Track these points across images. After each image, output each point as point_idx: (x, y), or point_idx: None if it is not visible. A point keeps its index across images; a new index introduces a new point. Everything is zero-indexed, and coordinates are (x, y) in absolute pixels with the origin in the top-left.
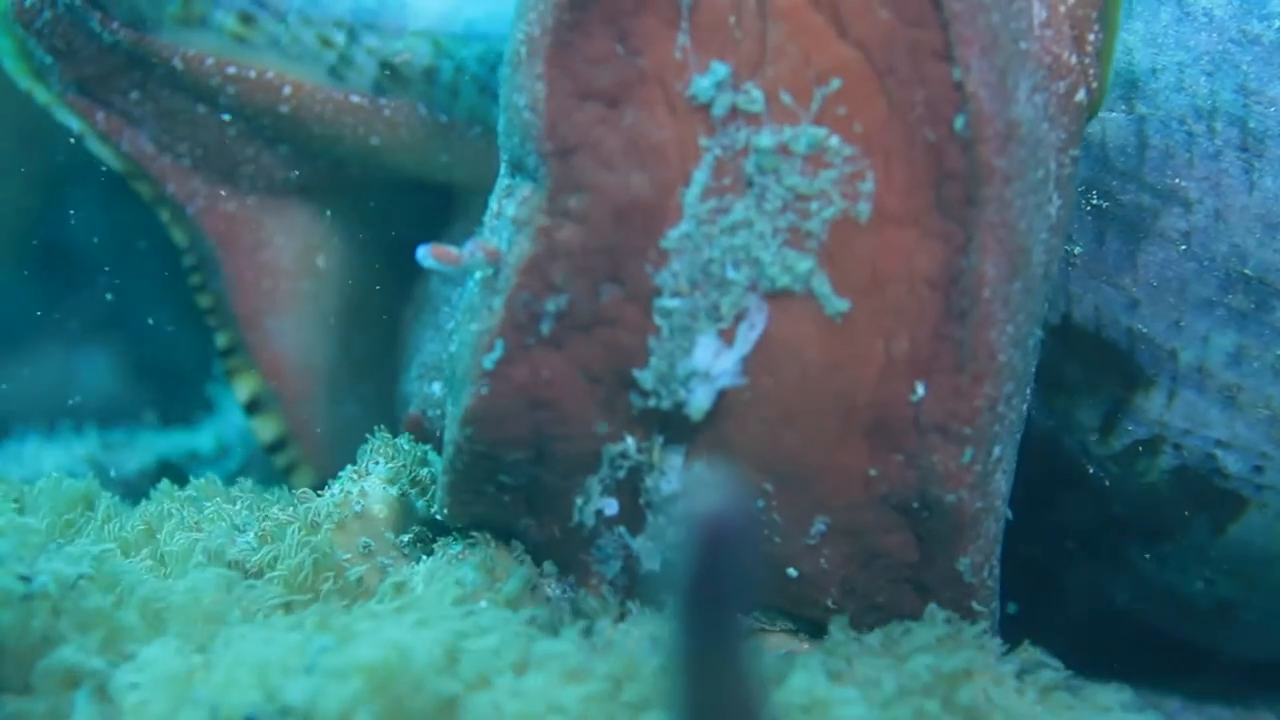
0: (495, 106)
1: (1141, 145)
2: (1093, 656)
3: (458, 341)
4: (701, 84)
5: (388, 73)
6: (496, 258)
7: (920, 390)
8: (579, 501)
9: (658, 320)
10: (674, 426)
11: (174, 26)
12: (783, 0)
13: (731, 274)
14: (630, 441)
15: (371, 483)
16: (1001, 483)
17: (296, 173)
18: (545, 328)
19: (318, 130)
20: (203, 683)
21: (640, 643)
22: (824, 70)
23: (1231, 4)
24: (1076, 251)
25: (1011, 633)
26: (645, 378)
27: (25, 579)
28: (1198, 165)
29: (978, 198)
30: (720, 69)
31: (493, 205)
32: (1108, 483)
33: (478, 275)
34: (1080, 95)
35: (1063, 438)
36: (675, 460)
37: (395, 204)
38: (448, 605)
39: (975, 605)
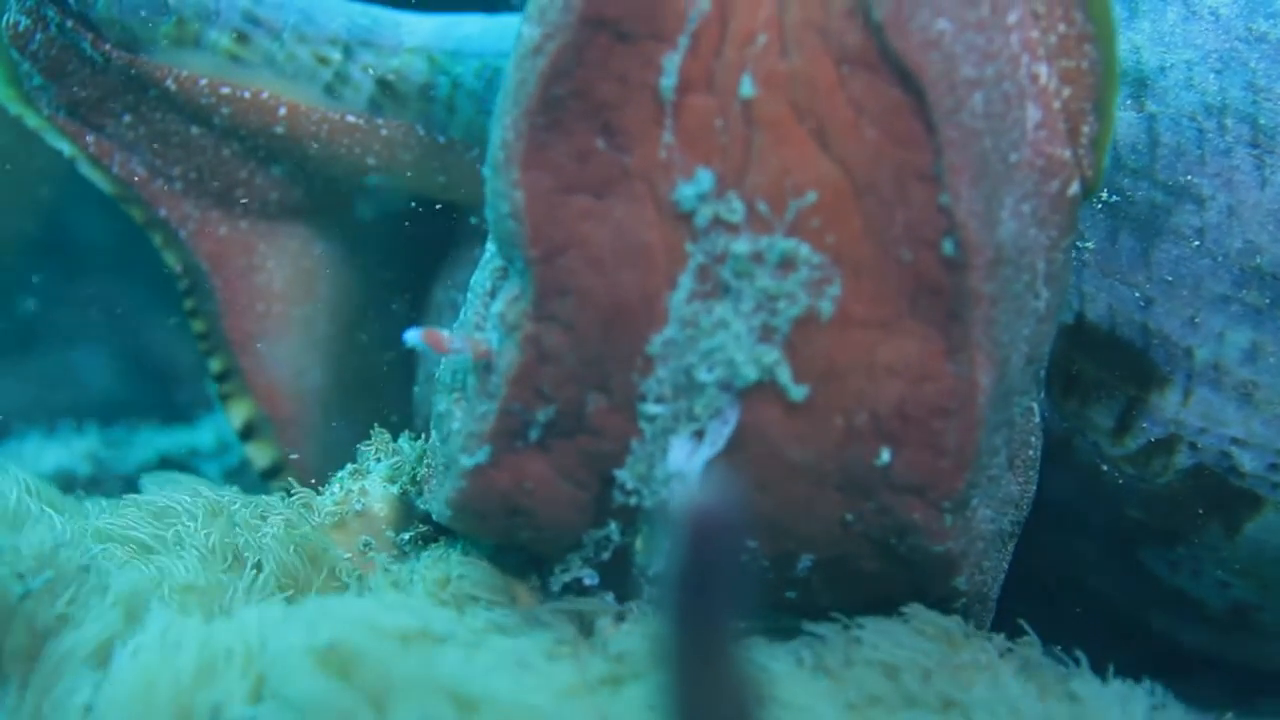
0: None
1: (1153, 143)
2: (1097, 660)
3: (445, 403)
4: (686, 192)
5: (384, 90)
6: (486, 356)
7: (886, 456)
8: (558, 569)
9: (641, 424)
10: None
11: (168, 47)
12: (767, 110)
13: (705, 376)
14: (614, 526)
15: (372, 481)
16: (985, 511)
17: (291, 194)
18: (533, 434)
19: (314, 151)
20: (202, 679)
21: (637, 640)
22: (801, 183)
23: (1237, 2)
24: (1090, 249)
25: (1015, 632)
26: (625, 478)
27: (21, 577)
28: (1209, 162)
29: (966, 318)
30: (705, 178)
31: (485, 283)
32: (1121, 483)
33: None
34: (1074, 188)
35: (1075, 439)
36: (664, 543)
37: (391, 226)
38: (439, 599)
39: (969, 605)
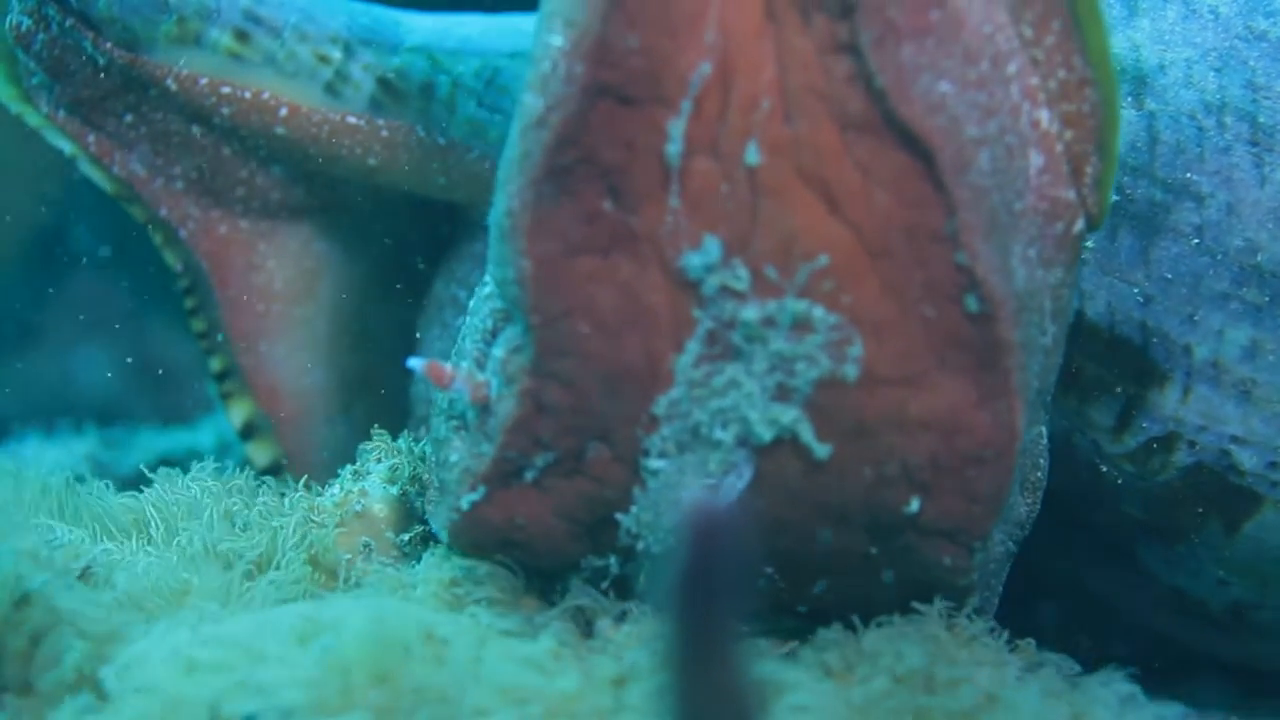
0: (491, 123)
1: (1152, 141)
2: (1098, 661)
3: (444, 429)
4: (694, 262)
5: (385, 89)
6: (484, 400)
7: (915, 506)
8: (558, 588)
9: (644, 476)
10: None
11: (168, 46)
12: (772, 176)
13: (719, 434)
14: (613, 560)
15: (372, 482)
16: (998, 535)
17: (291, 194)
18: (529, 476)
19: (314, 151)
20: (201, 682)
21: (638, 641)
22: (811, 247)
23: (1237, 1)
24: (1089, 247)
25: (1015, 633)
26: (629, 522)
27: (19, 579)
28: (1208, 160)
29: (999, 367)
30: (713, 247)
31: (486, 321)
32: (1120, 482)
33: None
34: (1078, 226)
35: (1074, 437)
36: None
37: (391, 224)
38: (440, 601)
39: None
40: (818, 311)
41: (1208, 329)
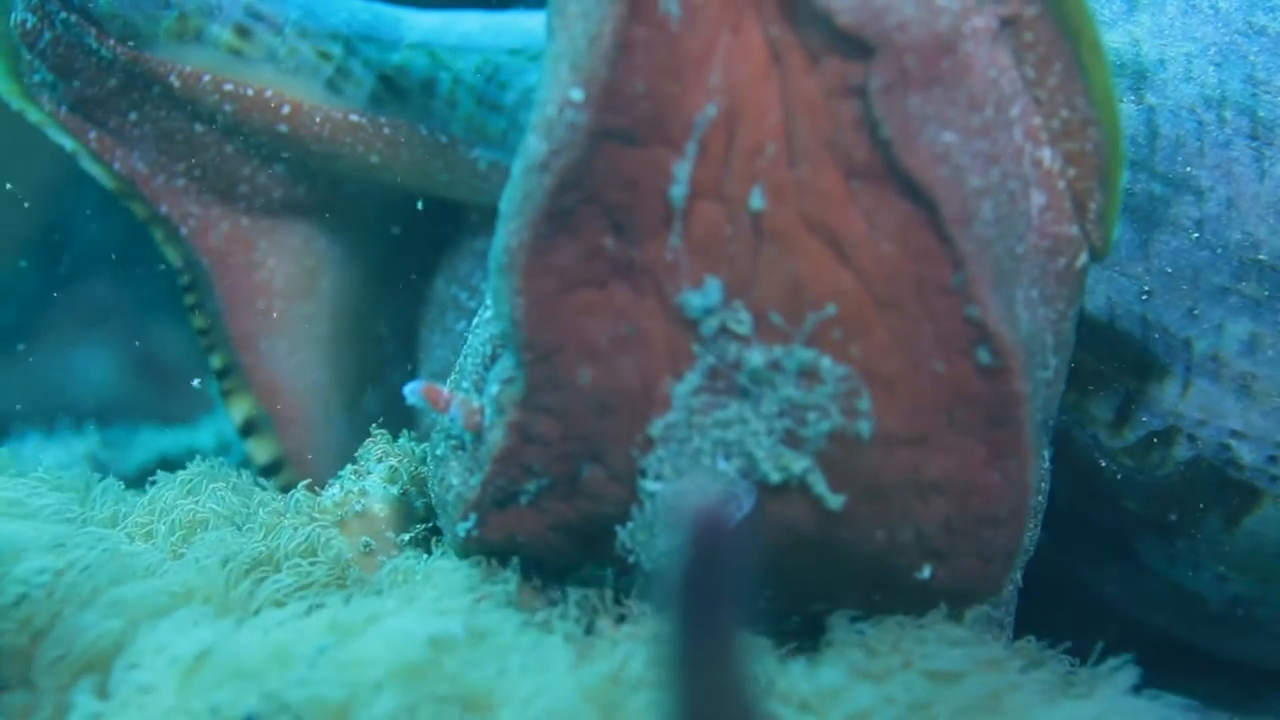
0: (492, 119)
1: (1152, 135)
2: (1100, 657)
3: (443, 448)
4: (694, 302)
5: (386, 85)
6: (478, 427)
7: (927, 573)
8: (557, 583)
9: (642, 497)
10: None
11: (169, 42)
12: (776, 221)
13: (722, 464)
14: (610, 572)
15: (372, 482)
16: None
17: (293, 192)
18: (523, 500)
19: (316, 149)
20: (203, 681)
21: (639, 642)
22: (818, 295)
23: None
24: None
25: (1017, 631)
26: (624, 536)
27: (24, 576)
28: (1208, 154)
29: (1011, 421)
30: (714, 290)
31: (485, 347)
32: (1120, 477)
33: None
34: (1082, 260)
35: (1073, 432)
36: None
37: (393, 222)
38: (452, 598)
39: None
40: (825, 362)
41: (1207, 323)
